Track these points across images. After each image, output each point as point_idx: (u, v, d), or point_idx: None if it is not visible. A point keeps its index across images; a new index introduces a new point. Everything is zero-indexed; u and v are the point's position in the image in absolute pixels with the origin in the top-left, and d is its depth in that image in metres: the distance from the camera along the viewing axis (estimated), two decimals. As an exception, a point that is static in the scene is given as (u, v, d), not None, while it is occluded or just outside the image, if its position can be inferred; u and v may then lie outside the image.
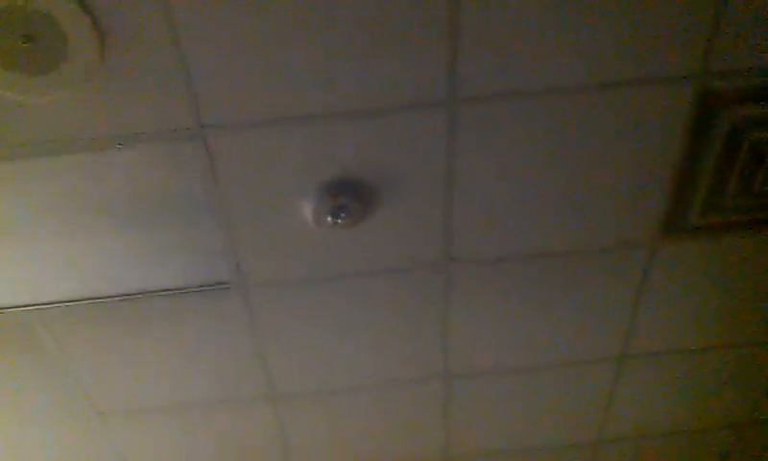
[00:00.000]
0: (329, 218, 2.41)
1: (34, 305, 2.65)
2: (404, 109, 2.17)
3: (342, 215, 2.40)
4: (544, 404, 3.43)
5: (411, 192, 2.42)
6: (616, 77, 2.15)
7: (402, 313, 2.87)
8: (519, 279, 2.77)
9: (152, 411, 3.21)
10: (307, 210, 2.42)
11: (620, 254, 2.71)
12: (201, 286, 2.64)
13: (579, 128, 2.28)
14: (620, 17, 2.01)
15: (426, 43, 2.01)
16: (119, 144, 2.17)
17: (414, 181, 2.38)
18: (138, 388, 3.08)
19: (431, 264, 2.68)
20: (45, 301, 2.64)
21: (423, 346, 3.03)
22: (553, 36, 2.04)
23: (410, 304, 2.84)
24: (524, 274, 2.75)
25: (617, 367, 3.24)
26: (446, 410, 3.40)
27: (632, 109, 2.24)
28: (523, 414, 3.48)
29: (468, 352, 3.09)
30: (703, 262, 2.77)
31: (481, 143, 2.29)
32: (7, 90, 1.98)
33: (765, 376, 3.39)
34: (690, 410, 3.56)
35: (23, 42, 1.87)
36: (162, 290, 2.65)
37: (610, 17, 2.01)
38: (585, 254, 2.69)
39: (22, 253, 2.46)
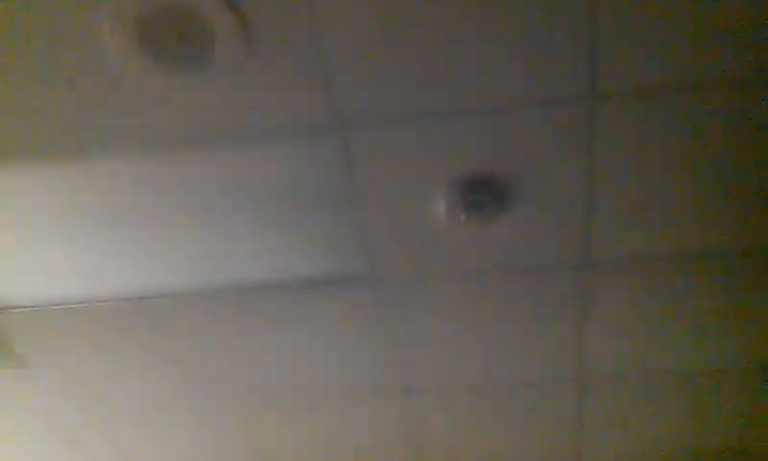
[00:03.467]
0: (463, 215, 2.39)
1: (156, 296, 2.78)
2: (543, 105, 2.13)
3: (476, 212, 2.38)
4: (677, 410, 3.29)
5: (548, 191, 2.37)
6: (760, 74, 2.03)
7: (537, 314, 2.82)
8: (657, 281, 2.67)
9: (286, 397, 3.29)
10: (441, 206, 2.42)
11: (760, 258, 2.56)
12: (334, 279, 2.69)
13: (721, 124, 2.16)
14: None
15: (566, 38, 1.97)
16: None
17: (551, 179, 2.33)
18: (272, 376, 3.17)
19: (568, 266, 2.62)
20: (169, 291, 2.76)
21: (558, 348, 2.97)
22: (693, 31, 1.94)
23: (545, 306, 2.79)
24: (662, 276, 2.65)
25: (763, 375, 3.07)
26: (580, 415, 3.32)
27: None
28: (661, 421, 3.35)
29: (605, 356, 3.00)
30: None
31: (620, 141, 2.21)
32: (157, 87, 2.08)
33: None
34: None
35: (175, 41, 1.96)
36: (297, 282, 2.71)
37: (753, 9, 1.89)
38: (727, 257, 2.56)
39: (154, 240, 2.58)
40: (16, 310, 2.84)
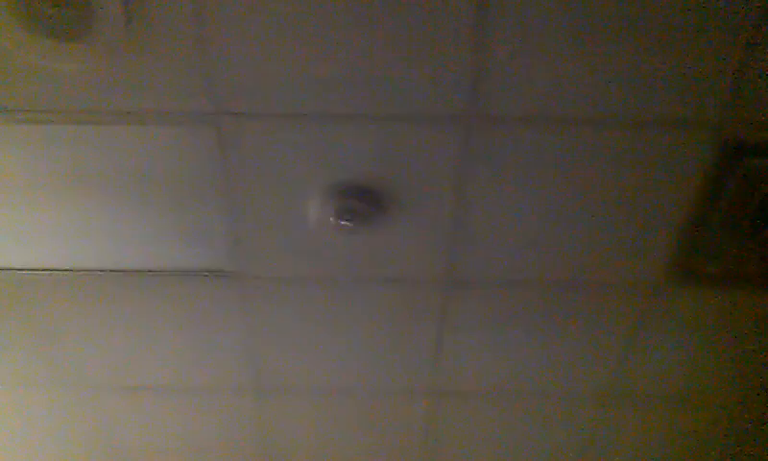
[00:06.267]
0: (333, 219, 2.40)
1: (29, 270, 2.65)
2: (422, 120, 2.16)
3: (347, 218, 2.39)
4: (529, 431, 3.41)
5: (419, 206, 2.41)
6: (637, 115, 2.14)
7: (397, 324, 2.86)
8: (518, 305, 2.76)
9: (139, 388, 3.20)
10: (313, 209, 2.42)
11: (622, 292, 2.70)
12: (199, 271, 2.64)
13: (593, 161, 2.26)
14: (650, 56, 2.00)
15: (452, 57, 2.00)
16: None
17: (423, 195, 2.37)
18: (128, 364, 3.07)
19: (431, 281, 2.67)
20: (42, 266, 2.64)
21: (414, 360, 3.02)
22: (581, 67, 2.02)
23: (406, 317, 2.83)
24: (523, 301, 2.74)
25: (603, 403, 3.23)
26: (430, 426, 3.38)
27: (649, 148, 2.23)
28: (507, 438, 3.46)
29: (458, 372, 3.08)
30: (701, 311, 2.76)
31: (494, 165, 2.28)
32: (30, 54, 1.98)
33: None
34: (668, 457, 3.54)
35: (50, 7, 1.87)
36: (160, 270, 2.64)
37: (640, 54, 1.99)
38: (585, 287, 2.68)
39: (24, 216, 2.46)
40: None
